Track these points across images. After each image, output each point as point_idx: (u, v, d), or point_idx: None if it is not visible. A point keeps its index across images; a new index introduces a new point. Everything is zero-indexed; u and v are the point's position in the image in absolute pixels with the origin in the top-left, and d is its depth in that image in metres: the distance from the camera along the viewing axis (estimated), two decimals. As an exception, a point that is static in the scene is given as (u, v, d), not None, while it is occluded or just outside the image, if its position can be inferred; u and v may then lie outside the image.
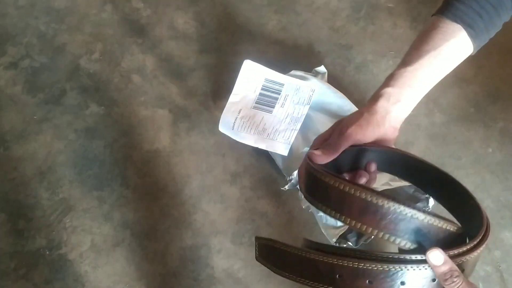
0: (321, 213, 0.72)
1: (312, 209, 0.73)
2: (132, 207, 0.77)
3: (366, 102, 0.47)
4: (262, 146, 0.77)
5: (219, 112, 0.83)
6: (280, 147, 0.76)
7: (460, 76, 0.86)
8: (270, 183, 0.78)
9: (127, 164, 0.81)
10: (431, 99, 0.84)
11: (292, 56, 0.86)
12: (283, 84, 0.78)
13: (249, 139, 0.77)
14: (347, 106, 0.78)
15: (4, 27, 0.93)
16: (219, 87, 0.86)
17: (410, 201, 0.70)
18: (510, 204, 0.75)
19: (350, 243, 0.69)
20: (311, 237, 0.73)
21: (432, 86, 0.48)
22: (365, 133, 0.46)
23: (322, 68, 0.83)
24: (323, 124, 0.75)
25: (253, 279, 0.72)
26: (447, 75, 0.85)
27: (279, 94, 0.78)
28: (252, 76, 0.78)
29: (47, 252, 0.74)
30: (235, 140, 0.79)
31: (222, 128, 0.78)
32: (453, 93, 0.84)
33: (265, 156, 0.80)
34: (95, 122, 0.85)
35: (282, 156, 0.76)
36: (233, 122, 0.77)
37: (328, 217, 0.71)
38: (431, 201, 0.71)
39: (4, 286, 0.72)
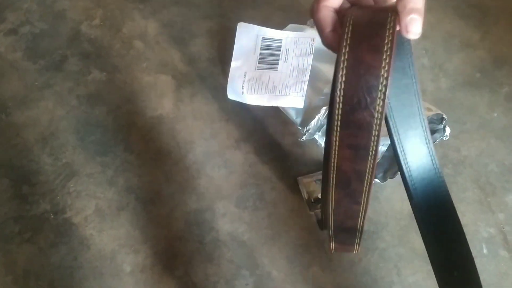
0: None
1: None
2: (136, 172, 0.77)
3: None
4: (276, 104, 0.76)
5: (223, 77, 0.82)
6: (294, 101, 0.75)
7: (466, 41, 0.85)
8: (274, 148, 0.78)
9: (131, 130, 0.80)
10: (437, 64, 0.83)
11: (296, 22, 0.84)
12: (281, 40, 0.78)
13: (262, 100, 0.76)
14: None
15: (3, -8, 0.91)
16: (223, 53, 0.85)
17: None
18: (514, 168, 0.75)
19: (377, 179, 0.71)
20: (315, 201, 0.74)
21: None
22: None
23: None
24: (330, 72, 0.75)
25: (257, 242, 0.72)
26: (454, 40, 0.84)
27: (280, 50, 0.78)
28: (249, 38, 0.78)
29: (52, 216, 0.74)
30: (239, 105, 0.78)
31: (231, 96, 0.77)
32: (459, 58, 0.84)
33: (269, 121, 0.80)
34: (97, 89, 0.84)
35: (296, 110, 0.76)
36: (241, 87, 0.76)
37: None
38: (448, 130, 0.71)
39: (10, 250, 0.72)
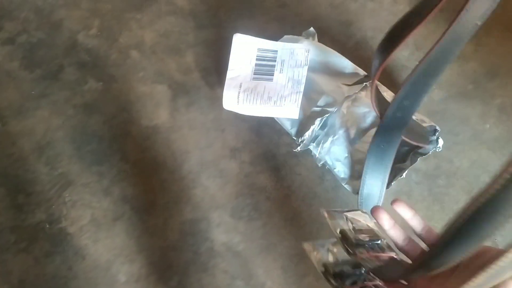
0: (338, 168, 0.74)
1: (328, 165, 0.75)
2: (131, 182, 0.78)
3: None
4: (271, 114, 0.77)
5: (219, 87, 0.83)
6: (289, 112, 0.76)
7: (459, 53, 0.86)
8: (269, 158, 0.79)
9: (126, 140, 0.81)
10: (430, 76, 0.84)
11: (291, 33, 0.85)
12: (276, 51, 0.79)
13: (257, 111, 0.76)
14: (343, 63, 0.79)
15: (0, 2, 0.92)
16: (218, 63, 0.85)
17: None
18: (506, 179, 0.76)
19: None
20: (309, 211, 0.74)
21: None
22: None
23: (311, 30, 0.84)
24: (325, 83, 0.76)
25: (252, 253, 0.72)
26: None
27: (275, 61, 0.78)
28: (244, 49, 0.79)
29: (47, 226, 0.74)
30: (234, 115, 0.79)
31: (226, 105, 0.77)
32: (452, 69, 0.85)
33: (264, 131, 0.81)
34: (94, 98, 0.84)
35: (291, 121, 0.77)
36: (237, 98, 0.77)
37: (347, 170, 0.73)
38: (441, 141, 0.72)
39: (5, 260, 0.72)
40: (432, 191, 0.75)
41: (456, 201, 0.74)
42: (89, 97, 0.84)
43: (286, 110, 0.76)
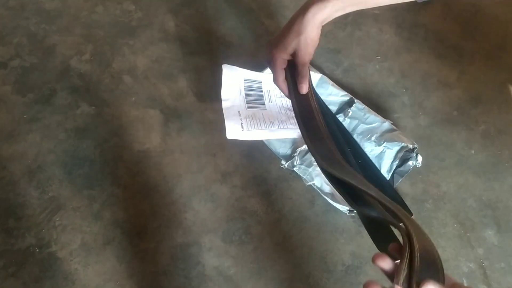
0: (326, 190, 0.75)
1: (316, 187, 0.76)
2: (122, 206, 0.78)
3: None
4: (279, 136, 0.78)
5: (210, 112, 0.85)
6: (293, 132, 0.78)
7: (443, 80, 0.89)
8: (260, 183, 0.80)
9: (118, 164, 0.81)
10: (417, 103, 0.86)
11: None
12: (260, 81, 0.81)
13: (263, 135, 0.77)
14: (329, 89, 0.82)
15: (-6, 27, 0.93)
16: (210, 88, 0.87)
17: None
18: (491, 203, 0.78)
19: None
20: (299, 235, 0.75)
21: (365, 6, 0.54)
22: (285, 42, 0.54)
23: None
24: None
25: (243, 277, 0.73)
26: (432, 79, 0.88)
27: (262, 91, 0.80)
28: (233, 79, 0.81)
29: (37, 251, 0.74)
30: (225, 140, 0.79)
31: (231, 135, 0.75)
32: (437, 97, 0.87)
33: (255, 156, 0.82)
34: (86, 122, 0.85)
35: (280, 144, 0.79)
36: (241, 124, 0.76)
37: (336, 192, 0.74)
38: (420, 157, 0.77)
39: (-7, 285, 0.71)
40: (421, 215, 0.76)
41: (444, 225, 0.76)
42: (81, 122, 0.85)
43: (291, 132, 0.77)
